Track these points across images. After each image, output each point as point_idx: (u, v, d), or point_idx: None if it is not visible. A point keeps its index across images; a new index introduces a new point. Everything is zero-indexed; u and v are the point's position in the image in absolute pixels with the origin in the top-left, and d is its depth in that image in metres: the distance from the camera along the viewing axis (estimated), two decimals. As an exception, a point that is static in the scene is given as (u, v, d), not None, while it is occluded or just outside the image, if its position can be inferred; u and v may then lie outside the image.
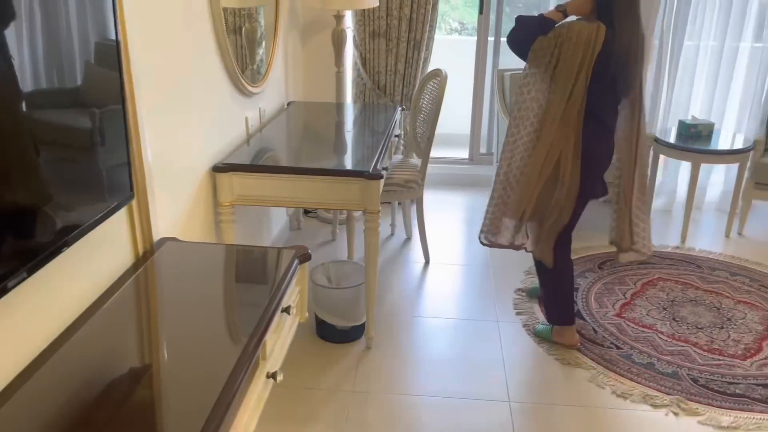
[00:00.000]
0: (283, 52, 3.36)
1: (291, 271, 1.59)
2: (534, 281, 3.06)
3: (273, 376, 1.48)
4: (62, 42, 1.22)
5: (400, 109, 3.37)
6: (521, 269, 3.26)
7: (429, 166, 3.54)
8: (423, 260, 3.38)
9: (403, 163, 3.31)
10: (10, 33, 1.04)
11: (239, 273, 1.70)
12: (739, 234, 3.71)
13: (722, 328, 2.75)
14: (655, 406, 2.30)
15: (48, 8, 1.16)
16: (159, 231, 1.79)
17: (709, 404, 2.29)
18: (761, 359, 2.54)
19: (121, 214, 1.58)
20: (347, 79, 3.90)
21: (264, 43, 3.13)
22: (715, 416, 2.24)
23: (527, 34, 2.32)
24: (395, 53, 3.76)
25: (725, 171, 4.10)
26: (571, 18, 2.35)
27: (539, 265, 2.61)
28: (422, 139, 3.29)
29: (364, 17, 3.71)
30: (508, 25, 5.23)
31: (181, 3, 2.05)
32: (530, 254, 2.64)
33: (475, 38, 4.21)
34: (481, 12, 4.11)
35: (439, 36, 5.60)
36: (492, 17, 4.15)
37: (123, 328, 1.39)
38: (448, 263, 3.37)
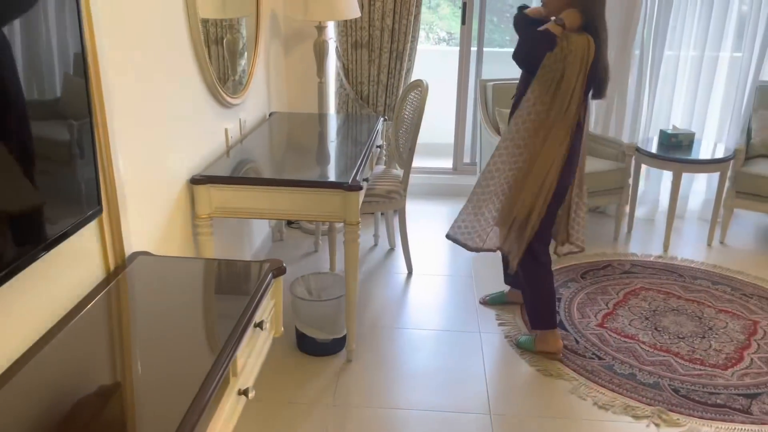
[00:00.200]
0: (264, 62, 3.35)
1: (264, 286, 1.57)
2: (496, 289, 3.07)
3: (245, 392, 1.45)
4: (33, 53, 1.20)
5: (382, 119, 3.36)
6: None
7: (413, 175, 3.54)
8: (406, 271, 3.37)
9: (385, 174, 3.30)
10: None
11: (211, 287, 1.67)
12: (721, 243, 3.73)
13: (704, 337, 2.75)
14: (636, 417, 2.29)
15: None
16: (132, 245, 1.76)
17: (690, 415, 2.28)
18: (742, 369, 2.54)
19: (91, 228, 1.56)
20: (330, 90, 3.90)
21: (246, 53, 3.12)
22: (696, 427, 2.23)
23: (537, 50, 2.32)
24: (378, 64, 3.76)
25: (707, 180, 4.13)
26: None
27: (523, 269, 2.59)
28: (404, 150, 3.29)
29: (346, 28, 3.71)
30: (491, 36, 5.26)
31: (157, 15, 2.03)
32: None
33: (460, 48, 4.23)
34: (463, 22, 4.13)
35: (427, 46, 5.65)
36: (474, 27, 4.17)
37: (90, 345, 1.36)
38: (431, 274, 3.36)
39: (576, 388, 2.43)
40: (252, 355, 1.56)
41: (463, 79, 4.25)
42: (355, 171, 2.46)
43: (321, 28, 3.43)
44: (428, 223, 3.99)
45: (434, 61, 4.99)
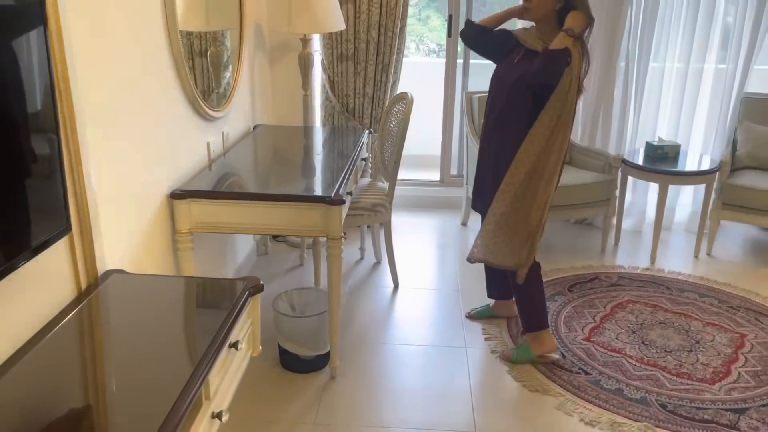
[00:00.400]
0: (248, 75, 3.32)
1: (240, 305, 1.53)
2: (482, 303, 3.04)
3: (218, 416, 1.41)
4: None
5: (367, 132, 3.34)
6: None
7: (400, 187, 3.52)
8: (392, 285, 3.33)
9: (370, 187, 3.28)
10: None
11: (186, 307, 1.63)
12: (708, 255, 3.72)
13: (691, 351, 2.73)
14: (623, 433, 2.26)
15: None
16: (106, 263, 1.72)
17: (677, 431, 2.26)
18: (730, 383, 2.52)
19: (60, 247, 1.51)
20: (315, 102, 3.88)
21: (231, 66, 3.09)
22: (683, 443, 2.20)
23: (560, 68, 2.29)
24: (363, 76, 3.75)
25: (693, 192, 4.13)
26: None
27: (513, 276, 2.57)
28: (389, 163, 3.26)
29: (332, 40, 3.69)
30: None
31: (135, 27, 2.00)
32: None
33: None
34: (449, 35, 4.12)
35: (417, 57, 5.65)
36: (461, 40, 4.15)
37: (57, 367, 1.32)
38: (417, 288, 3.33)
39: (562, 404, 2.40)
40: (227, 377, 1.52)
41: (449, 91, 4.24)
42: (338, 185, 2.43)
43: (306, 41, 3.42)
44: (415, 236, 3.96)
45: (423, 72, 4.98)
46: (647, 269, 3.53)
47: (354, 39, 3.67)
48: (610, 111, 3.93)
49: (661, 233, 3.68)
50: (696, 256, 3.70)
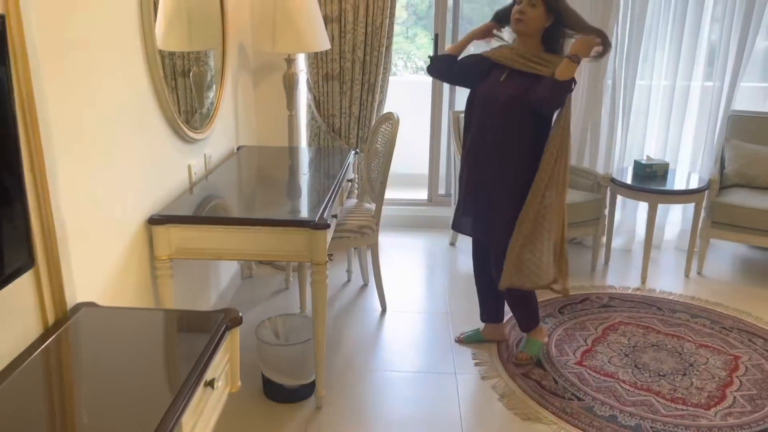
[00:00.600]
0: (232, 95, 3.26)
1: (215, 341, 1.45)
2: (472, 325, 2.98)
3: (193, 459, 1.33)
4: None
5: (353, 152, 3.28)
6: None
7: (387, 207, 3.45)
8: (380, 308, 3.25)
9: (357, 208, 3.21)
10: None
11: (159, 343, 1.55)
12: (699, 273, 3.68)
13: (685, 374, 2.67)
14: (618, 463, 2.19)
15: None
16: (76, 295, 1.64)
17: (673, 459, 2.19)
18: (725, 408, 2.46)
19: (26, 281, 1.43)
20: (301, 123, 3.82)
21: (215, 86, 3.03)
22: (680, 473, 2.14)
23: (567, 95, 2.38)
24: (349, 96, 3.70)
25: (682, 210, 4.10)
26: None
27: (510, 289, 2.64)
28: (376, 183, 3.21)
29: (317, 60, 3.64)
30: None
31: (108, 46, 1.94)
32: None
33: (435, 79, 4.19)
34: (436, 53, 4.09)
35: (404, 74, 5.62)
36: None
37: (20, 409, 1.23)
38: (405, 311, 3.25)
39: (555, 433, 2.33)
40: (203, 416, 1.43)
41: (436, 110, 4.20)
42: (322, 208, 2.37)
43: (290, 60, 3.37)
44: (403, 256, 3.90)
45: (410, 91, 4.95)
46: (638, 289, 3.48)
47: (339, 58, 3.63)
48: (598, 129, 3.91)
49: (651, 251, 3.63)
50: (687, 275, 3.65)
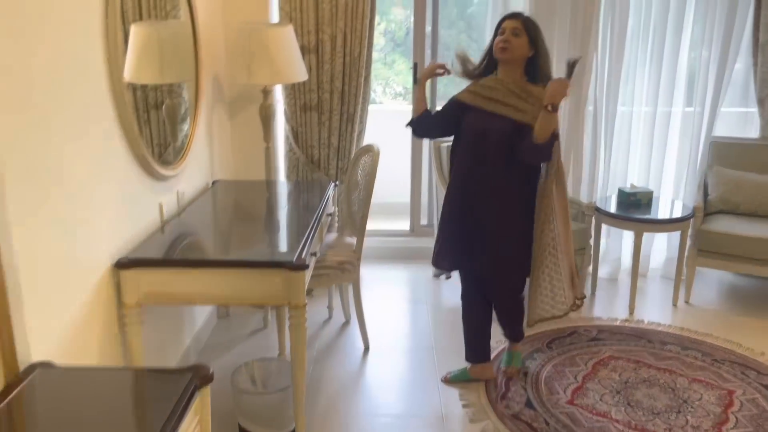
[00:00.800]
0: (206, 129, 3.16)
1: (183, 404, 1.33)
2: (457, 362, 2.87)
3: None
4: None
5: (333, 184, 3.18)
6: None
7: (369, 239, 3.35)
8: (362, 346, 3.13)
9: (337, 243, 3.11)
10: None
11: (121, 408, 1.42)
12: (686, 302, 3.62)
13: (679, 412, 2.58)
14: None
15: None
16: (31, 354, 1.50)
17: (673, 507, 2.09)
18: (722, 447, 2.37)
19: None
20: (279, 155, 3.72)
21: (189, 119, 2.93)
22: None
23: (551, 149, 2.41)
24: (328, 126, 3.62)
25: (667, 237, 4.05)
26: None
27: (515, 302, 2.72)
28: (357, 217, 3.11)
29: (294, 90, 3.56)
30: (447, 92, 5.21)
31: (70, 76, 1.83)
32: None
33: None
34: (415, 82, 4.04)
35: (384, 102, 5.58)
36: (427, 86, 4.07)
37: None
38: (389, 348, 3.13)
39: (549, 480, 2.22)
40: (170, 489, 1.30)
41: (417, 139, 4.13)
42: (300, 246, 2.26)
43: (267, 92, 3.28)
44: (385, 290, 3.79)
45: (390, 119, 4.88)
46: (626, 320, 3.41)
47: (318, 89, 3.55)
48: (581, 157, 3.86)
49: (638, 280, 3.57)
50: (675, 305, 3.59)
